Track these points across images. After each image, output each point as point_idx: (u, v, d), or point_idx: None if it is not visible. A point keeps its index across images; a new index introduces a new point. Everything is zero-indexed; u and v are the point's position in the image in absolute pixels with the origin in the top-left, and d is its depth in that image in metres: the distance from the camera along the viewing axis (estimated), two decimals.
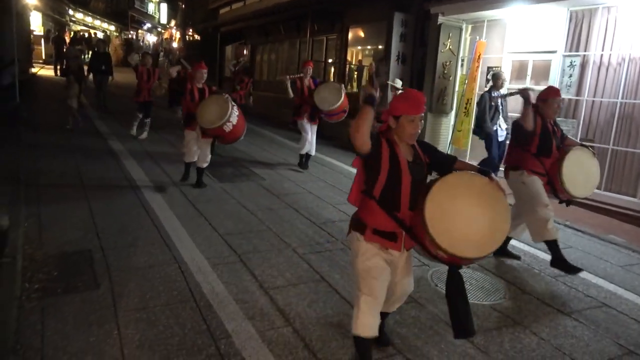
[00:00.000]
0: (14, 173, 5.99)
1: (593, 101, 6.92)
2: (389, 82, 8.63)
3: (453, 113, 9.21)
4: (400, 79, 9.49)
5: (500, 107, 6.96)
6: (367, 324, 2.53)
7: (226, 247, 4.32)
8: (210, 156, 6.25)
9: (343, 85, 7.40)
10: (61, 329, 2.89)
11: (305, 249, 4.40)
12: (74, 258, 3.86)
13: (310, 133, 7.59)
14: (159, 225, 4.71)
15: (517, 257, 4.58)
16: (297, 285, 3.69)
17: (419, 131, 2.52)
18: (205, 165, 6.21)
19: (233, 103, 5.72)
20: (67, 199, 5.34)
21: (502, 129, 7.07)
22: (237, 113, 5.70)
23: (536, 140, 4.16)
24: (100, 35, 31.65)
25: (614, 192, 6.51)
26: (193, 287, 3.51)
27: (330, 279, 3.83)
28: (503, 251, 4.51)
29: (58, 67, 18.47)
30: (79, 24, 32.75)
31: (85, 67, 12.41)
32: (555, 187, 4.13)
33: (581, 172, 4.07)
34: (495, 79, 6.99)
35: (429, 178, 2.62)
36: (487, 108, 6.85)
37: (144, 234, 4.48)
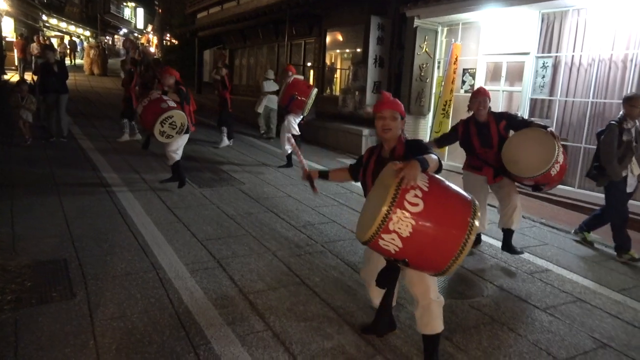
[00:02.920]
0: None
1: (565, 101, 7.09)
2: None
3: (431, 115, 9.32)
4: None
5: (635, 144, 4.79)
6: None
7: (205, 253, 4.29)
8: (179, 153, 6.20)
9: (293, 76, 7.60)
10: (35, 340, 2.83)
11: (285, 253, 4.40)
12: (48, 267, 3.78)
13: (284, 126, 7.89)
14: (136, 232, 4.66)
15: (520, 252, 4.63)
16: (277, 289, 3.68)
17: (389, 129, 2.71)
18: (170, 162, 6.21)
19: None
20: (42, 207, 5.23)
21: (634, 175, 4.86)
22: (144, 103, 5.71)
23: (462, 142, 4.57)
24: (66, 40, 30.61)
25: (588, 189, 6.65)
26: (171, 294, 3.48)
27: (310, 281, 3.83)
28: (507, 246, 4.59)
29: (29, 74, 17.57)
30: (54, 30, 32.19)
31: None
32: (507, 173, 4.29)
33: (527, 151, 4.07)
34: (631, 102, 4.69)
35: None
36: (615, 145, 4.71)
37: (120, 241, 4.42)
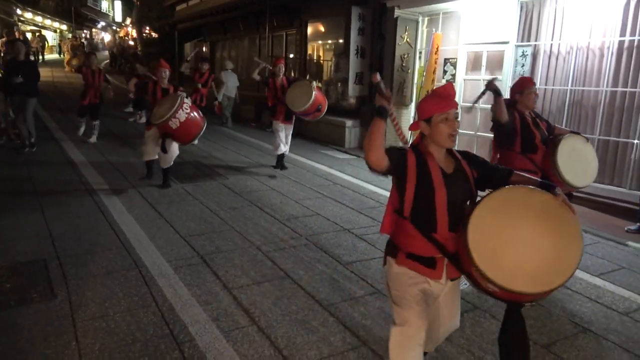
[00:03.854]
0: None
1: (545, 89, 7.16)
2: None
3: (413, 105, 9.35)
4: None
5: None
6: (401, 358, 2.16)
7: (188, 249, 4.25)
8: (173, 157, 6.14)
9: (314, 83, 6.96)
10: (16, 342, 2.79)
11: (269, 247, 4.39)
12: (28, 268, 3.72)
13: (285, 133, 7.27)
14: (117, 230, 4.60)
15: None
16: (262, 283, 3.67)
17: (457, 130, 2.18)
18: (166, 166, 6.09)
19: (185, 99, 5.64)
20: (20, 207, 5.14)
21: None
22: (186, 110, 5.54)
23: (518, 137, 3.81)
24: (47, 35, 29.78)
25: None
26: (155, 292, 3.45)
27: (294, 275, 3.83)
28: None
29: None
30: (29, 24, 31.43)
31: None
32: (553, 181, 3.70)
33: (577, 160, 3.75)
34: None
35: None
36: None
37: (102, 239, 4.36)
